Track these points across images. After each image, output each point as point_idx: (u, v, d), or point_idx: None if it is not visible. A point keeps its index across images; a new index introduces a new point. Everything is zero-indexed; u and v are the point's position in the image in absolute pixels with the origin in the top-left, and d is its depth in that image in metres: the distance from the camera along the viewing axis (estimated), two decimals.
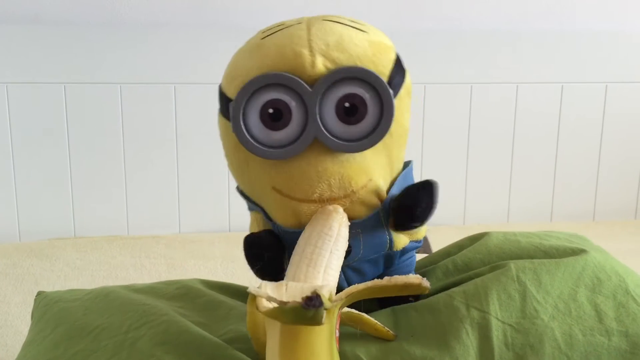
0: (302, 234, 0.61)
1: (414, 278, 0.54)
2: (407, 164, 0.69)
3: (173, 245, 1.46)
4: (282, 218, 0.64)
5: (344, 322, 0.64)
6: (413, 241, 0.70)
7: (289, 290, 0.50)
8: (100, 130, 1.50)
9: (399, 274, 0.56)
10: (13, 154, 1.49)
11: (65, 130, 1.49)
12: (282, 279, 0.59)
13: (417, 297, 0.72)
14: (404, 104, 0.64)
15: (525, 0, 1.60)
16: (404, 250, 0.69)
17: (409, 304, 0.69)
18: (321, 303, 0.46)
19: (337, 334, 0.57)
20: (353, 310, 0.64)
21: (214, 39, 1.50)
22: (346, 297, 0.55)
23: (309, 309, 0.46)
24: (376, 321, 0.65)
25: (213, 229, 1.55)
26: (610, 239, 1.53)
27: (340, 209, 0.61)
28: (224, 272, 1.33)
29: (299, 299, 0.47)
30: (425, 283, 0.55)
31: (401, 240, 0.67)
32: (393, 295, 0.57)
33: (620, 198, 1.70)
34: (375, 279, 0.56)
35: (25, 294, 1.21)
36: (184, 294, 0.78)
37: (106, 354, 0.66)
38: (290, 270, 0.58)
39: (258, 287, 0.50)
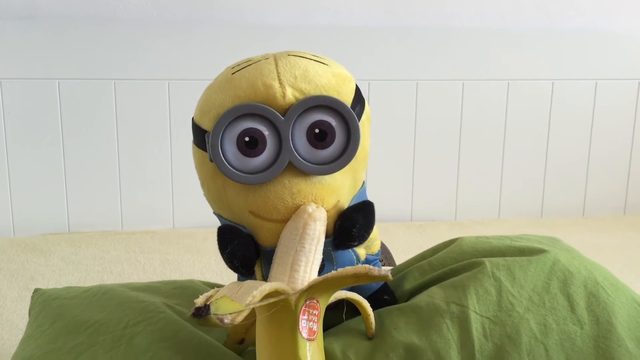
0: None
1: (361, 268, 0.59)
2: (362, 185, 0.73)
3: (167, 240, 1.47)
4: (262, 239, 0.67)
5: (351, 300, 0.68)
6: (369, 254, 0.74)
7: (240, 290, 0.56)
8: (94, 126, 1.51)
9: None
10: (7, 150, 1.49)
11: (59, 126, 1.49)
12: (253, 263, 0.66)
13: (392, 296, 0.75)
14: (365, 129, 0.68)
15: None
16: (366, 262, 0.73)
17: (393, 306, 0.73)
18: (207, 313, 0.52)
19: (304, 324, 0.60)
20: (357, 295, 0.68)
21: (208, 35, 1.51)
22: (308, 289, 0.60)
23: (195, 317, 0.53)
24: (371, 313, 0.68)
25: (207, 224, 1.55)
26: (600, 234, 1.55)
27: (310, 209, 0.64)
28: (218, 267, 1.34)
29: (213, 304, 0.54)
30: (375, 272, 0.58)
31: (362, 252, 0.72)
32: (351, 285, 0.61)
33: (610, 194, 1.72)
34: (332, 272, 0.60)
35: (21, 288, 1.22)
36: (181, 293, 0.80)
37: (104, 347, 0.67)
38: (270, 270, 0.64)
39: (210, 294, 0.56)
